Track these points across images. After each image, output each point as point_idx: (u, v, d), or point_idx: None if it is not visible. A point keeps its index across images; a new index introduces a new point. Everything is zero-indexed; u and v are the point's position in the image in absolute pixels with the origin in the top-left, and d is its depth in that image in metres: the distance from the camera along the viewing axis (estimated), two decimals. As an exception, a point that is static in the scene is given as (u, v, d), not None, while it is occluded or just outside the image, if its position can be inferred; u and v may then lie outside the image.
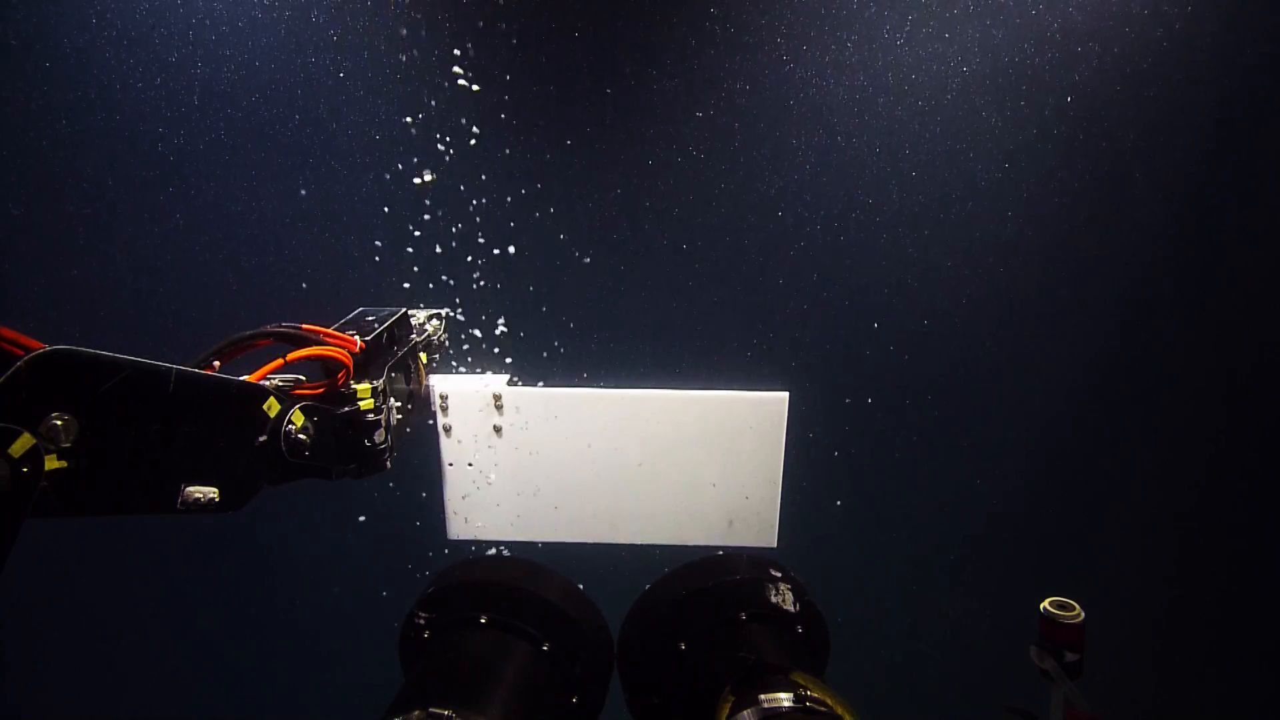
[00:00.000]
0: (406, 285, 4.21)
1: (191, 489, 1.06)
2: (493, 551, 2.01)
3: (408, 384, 1.59)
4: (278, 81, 4.05)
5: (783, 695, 1.29)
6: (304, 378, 1.34)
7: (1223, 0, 4.11)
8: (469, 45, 3.95)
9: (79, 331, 4.19)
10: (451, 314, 1.84)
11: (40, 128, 3.99)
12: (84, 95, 3.97)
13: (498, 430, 1.77)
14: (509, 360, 4.18)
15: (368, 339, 1.40)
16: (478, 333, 4.14)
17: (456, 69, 3.94)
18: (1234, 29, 4.14)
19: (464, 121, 4.04)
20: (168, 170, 4.14)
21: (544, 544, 1.88)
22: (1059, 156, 4.32)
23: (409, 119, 4.04)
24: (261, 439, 1.19)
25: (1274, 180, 4.36)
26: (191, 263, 4.27)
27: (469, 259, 4.19)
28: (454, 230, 4.17)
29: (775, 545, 1.84)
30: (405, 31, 3.95)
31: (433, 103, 4.02)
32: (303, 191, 4.21)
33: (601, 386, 1.76)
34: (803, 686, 1.31)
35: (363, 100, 4.09)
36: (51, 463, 0.84)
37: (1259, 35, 4.15)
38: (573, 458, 1.79)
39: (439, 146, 4.06)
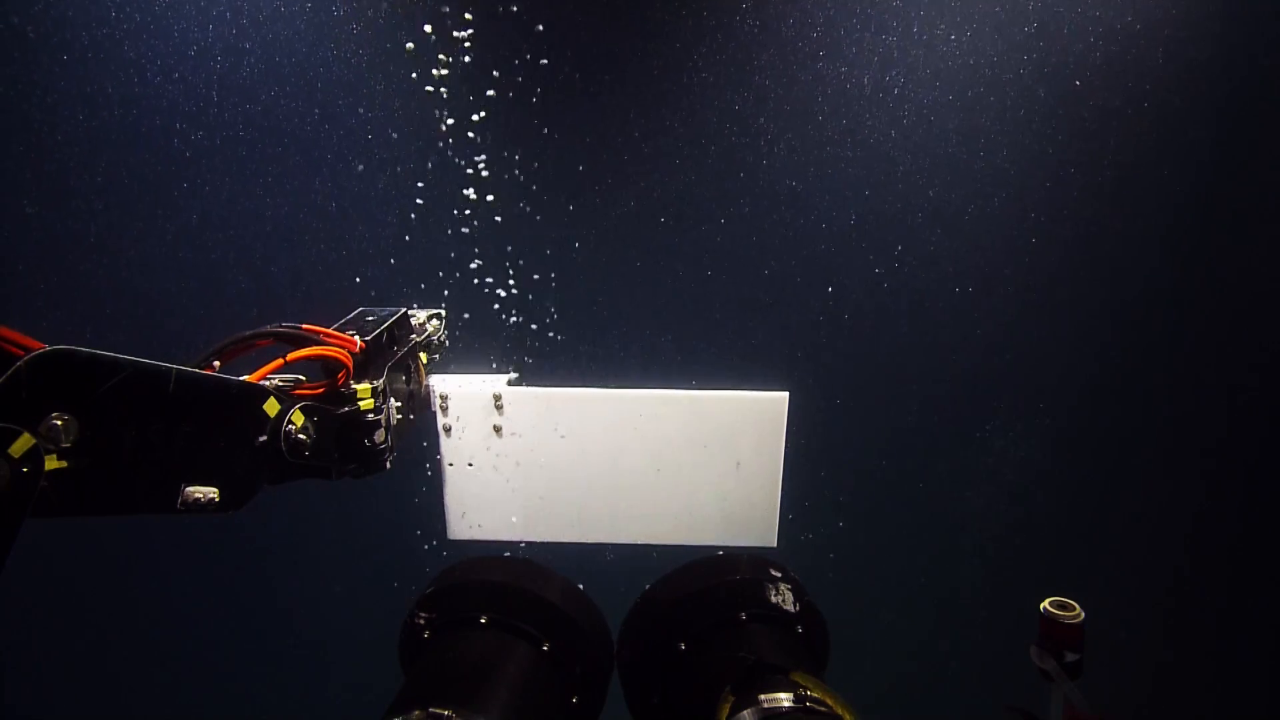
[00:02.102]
0: (411, 284, 4.20)
1: (191, 489, 1.06)
2: (494, 551, 2.01)
3: (408, 384, 1.59)
4: (298, 75, 4.02)
5: (783, 695, 1.29)
6: (304, 378, 1.34)
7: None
8: (492, 38, 3.91)
9: (90, 330, 4.20)
10: (451, 314, 1.84)
11: (55, 122, 3.96)
12: (100, 89, 3.93)
13: (498, 430, 1.77)
14: (509, 360, 4.18)
15: (368, 339, 1.40)
16: (478, 333, 4.14)
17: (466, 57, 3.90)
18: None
19: (481, 118, 4.02)
20: (183, 166, 4.11)
21: (544, 544, 1.88)
22: (1071, 159, 4.32)
23: (431, 115, 4.01)
24: (261, 439, 1.18)
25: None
26: (203, 260, 4.25)
27: (471, 258, 4.19)
28: (458, 230, 4.16)
29: (775, 545, 1.84)
30: (427, 28, 3.92)
31: (455, 98, 4.00)
32: (318, 187, 4.19)
33: (602, 386, 1.76)
34: (803, 686, 1.31)
35: (383, 95, 4.06)
36: (51, 463, 0.84)
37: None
38: (573, 458, 1.78)
39: (451, 143, 4.04)
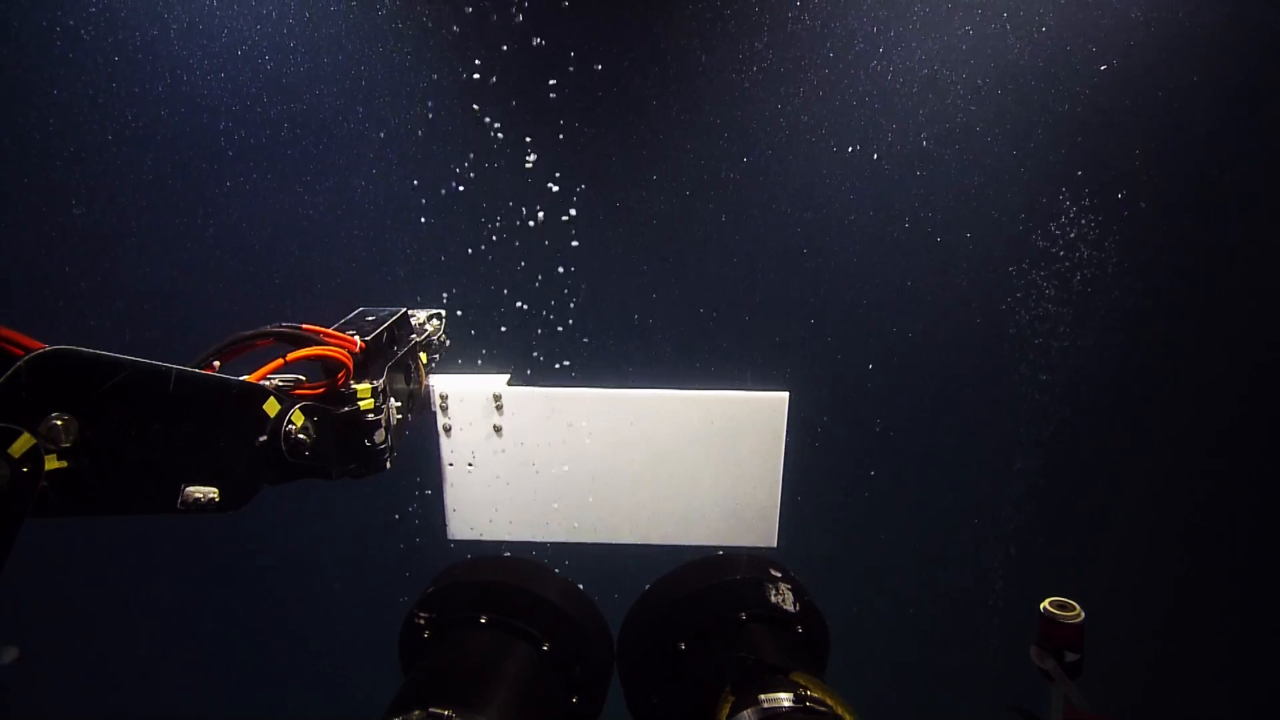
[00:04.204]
0: (435, 282, 4.22)
1: (191, 489, 1.06)
2: (494, 551, 2.01)
3: (408, 384, 1.59)
4: (342, 73, 4.04)
5: (783, 695, 1.29)
6: (304, 378, 1.33)
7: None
8: (532, 35, 3.91)
9: (129, 329, 4.24)
10: (456, 313, 1.84)
11: (104, 122, 4.00)
12: (151, 88, 3.97)
13: (498, 430, 1.77)
14: (509, 360, 4.18)
15: (368, 339, 1.40)
16: (478, 333, 4.14)
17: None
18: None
19: (524, 117, 4.02)
20: (226, 164, 4.15)
21: (544, 544, 1.88)
22: (1071, 160, 4.31)
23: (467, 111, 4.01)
24: (261, 439, 1.18)
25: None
26: (241, 257, 4.28)
27: (471, 258, 4.19)
28: (485, 228, 4.17)
29: (775, 545, 1.84)
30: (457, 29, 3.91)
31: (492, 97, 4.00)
32: (358, 185, 4.19)
33: (601, 386, 1.76)
34: (803, 686, 1.30)
35: (423, 93, 4.08)
36: (51, 463, 0.84)
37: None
38: (573, 458, 1.78)
39: (485, 140, 4.04)
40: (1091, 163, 4.27)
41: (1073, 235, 4.40)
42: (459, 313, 1.78)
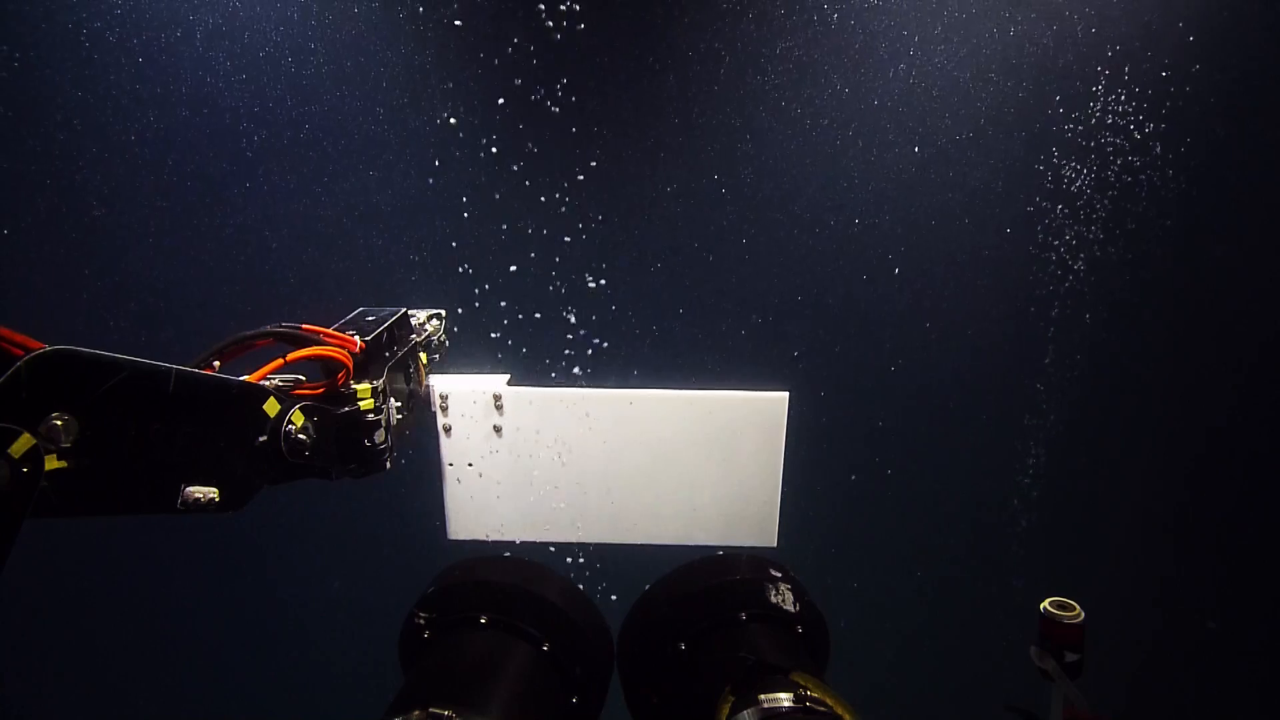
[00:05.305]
0: (442, 284, 4.23)
1: (191, 489, 1.06)
2: (494, 551, 2.01)
3: (408, 384, 1.59)
4: (362, 75, 4.06)
5: (783, 695, 1.29)
6: (304, 378, 1.33)
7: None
8: (548, 38, 3.92)
9: (144, 332, 4.27)
10: (458, 312, 1.84)
11: (127, 124, 4.02)
12: (173, 90, 4.01)
13: (498, 430, 1.77)
14: (509, 360, 4.18)
15: (368, 339, 1.40)
16: (478, 332, 4.14)
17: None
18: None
19: (536, 118, 4.03)
20: (244, 165, 4.18)
21: (544, 544, 1.88)
22: (1069, 162, 4.32)
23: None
24: (261, 439, 1.18)
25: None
26: (255, 257, 4.30)
27: (478, 259, 4.20)
28: (461, 230, 4.17)
29: (775, 545, 1.84)
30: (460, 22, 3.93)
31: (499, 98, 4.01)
32: (374, 186, 4.21)
33: (602, 386, 1.76)
34: (803, 686, 1.30)
35: (442, 95, 4.10)
36: (51, 463, 0.84)
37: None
38: (573, 458, 1.78)
39: (505, 140, 4.05)
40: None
41: (1060, 229, 4.40)
42: (459, 311, 1.78)
